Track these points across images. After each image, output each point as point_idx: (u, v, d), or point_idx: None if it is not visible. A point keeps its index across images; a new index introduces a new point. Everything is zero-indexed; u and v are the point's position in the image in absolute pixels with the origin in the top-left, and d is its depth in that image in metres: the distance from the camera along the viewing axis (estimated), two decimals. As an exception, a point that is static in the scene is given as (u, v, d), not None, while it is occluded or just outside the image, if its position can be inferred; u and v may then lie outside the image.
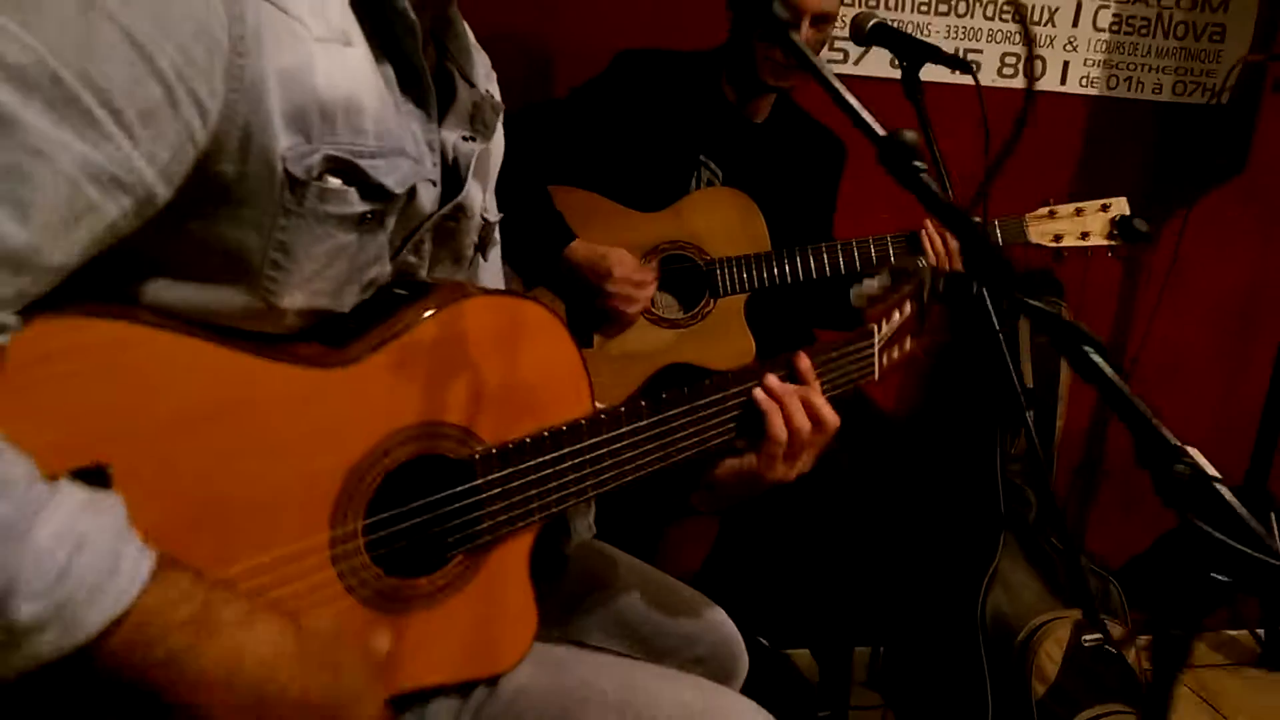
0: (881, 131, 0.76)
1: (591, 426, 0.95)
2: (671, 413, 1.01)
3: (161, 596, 0.64)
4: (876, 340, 1.21)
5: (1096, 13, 2.47)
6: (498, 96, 1.02)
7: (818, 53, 1.85)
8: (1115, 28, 2.48)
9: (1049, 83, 2.51)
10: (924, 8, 2.41)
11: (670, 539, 2.05)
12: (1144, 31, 2.50)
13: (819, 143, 2.09)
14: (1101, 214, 1.93)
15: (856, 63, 2.32)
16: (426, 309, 0.86)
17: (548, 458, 0.93)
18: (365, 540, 0.84)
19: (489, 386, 0.90)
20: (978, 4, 2.43)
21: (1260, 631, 2.65)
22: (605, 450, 0.97)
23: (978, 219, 1.73)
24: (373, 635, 0.82)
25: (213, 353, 0.74)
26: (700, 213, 1.91)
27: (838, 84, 0.78)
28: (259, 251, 0.75)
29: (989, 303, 1.33)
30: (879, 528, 2.16)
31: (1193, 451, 0.73)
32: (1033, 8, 2.45)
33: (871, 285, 1.28)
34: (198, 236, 0.73)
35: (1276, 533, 2.42)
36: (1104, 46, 2.49)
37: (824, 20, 1.85)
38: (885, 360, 1.24)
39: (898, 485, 2.36)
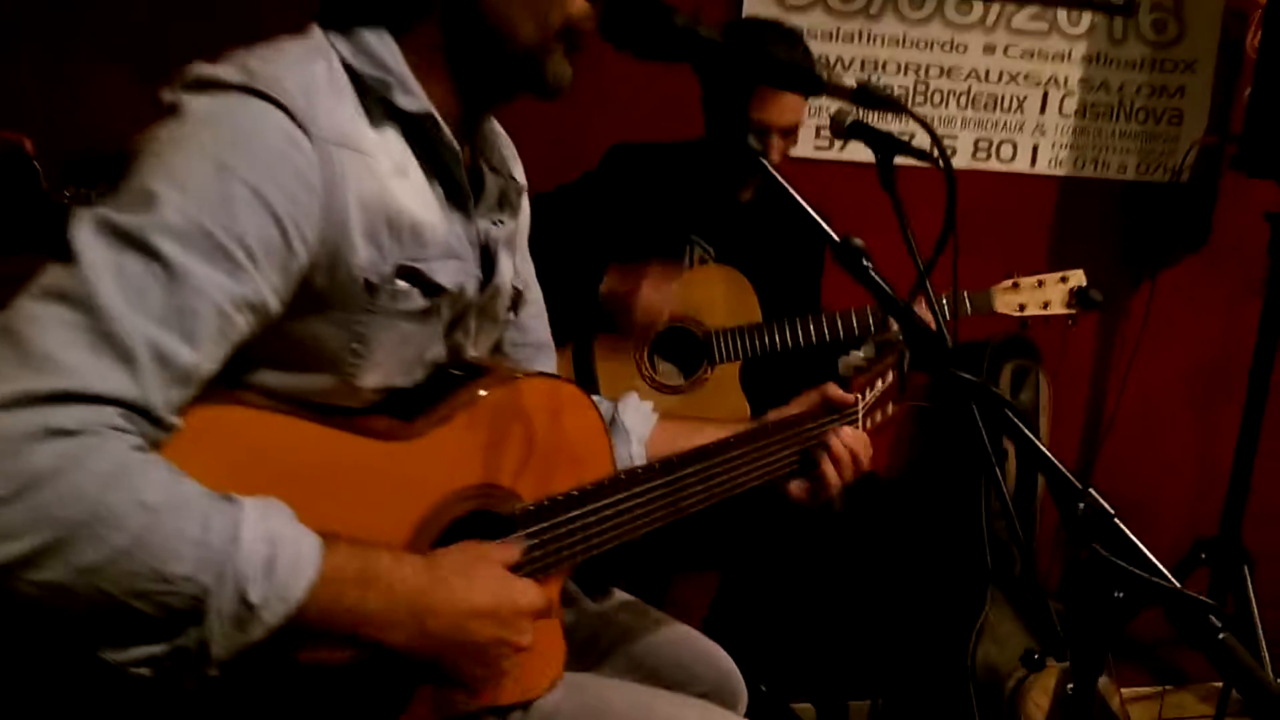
0: (836, 237, 0.95)
1: (612, 485, 1.13)
2: (684, 472, 1.20)
3: (333, 563, 0.84)
4: (860, 407, 1.38)
5: (1062, 100, 2.69)
6: (521, 178, 1.20)
7: (787, 153, 2.05)
8: (1080, 113, 2.70)
9: (1020, 165, 2.71)
10: (901, 99, 2.63)
11: (675, 589, 2.19)
12: (1107, 117, 2.71)
13: (802, 218, 2.27)
14: (1061, 285, 2.12)
15: (841, 149, 2.53)
16: (479, 389, 1.06)
17: (576, 513, 1.10)
18: None
19: (530, 453, 1.09)
20: (951, 94, 2.65)
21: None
22: (624, 505, 1.14)
23: (945, 296, 1.91)
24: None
25: (310, 429, 0.94)
26: (696, 288, 2.09)
27: (800, 200, 0.97)
28: (343, 344, 0.95)
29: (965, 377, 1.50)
30: (873, 581, 2.30)
31: (1093, 492, 0.88)
32: (1002, 97, 2.67)
33: (857, 356, 1.45)
34: (295, 336, 0.93)
35: (1250, 585, 2.55)
36: (1070, 131, 2.70)
37: (792, 130, 2.05)
38: (869, 424, 1.41)
39: (888, 540, 2.50)
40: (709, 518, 2.13)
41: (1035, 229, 2.75)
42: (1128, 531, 0.86)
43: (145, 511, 0.75)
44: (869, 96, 0.94)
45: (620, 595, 1.44)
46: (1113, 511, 0.87)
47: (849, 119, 1.92)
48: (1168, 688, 2.91)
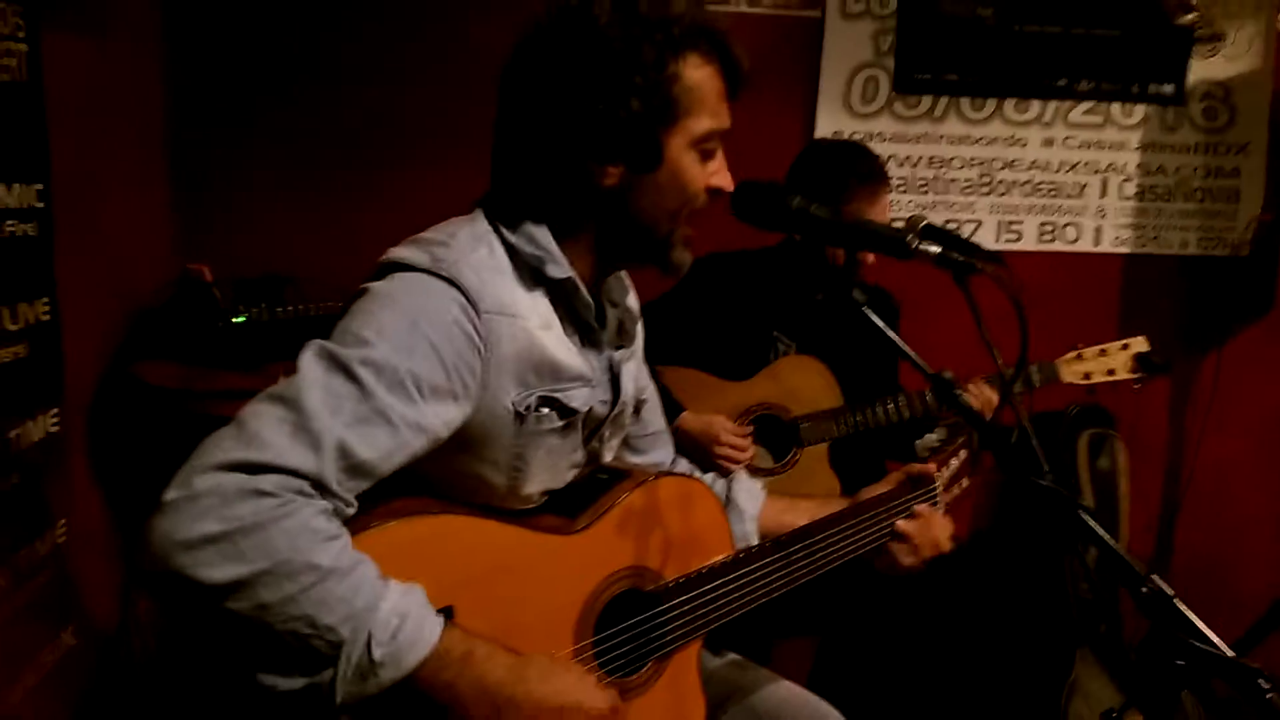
0: (929, 370, 1.16)
1: (734, 563, 1.37)
2: (793, 548, 1.42)
3: (445, 644, 1.04)
4: (939, 484, 1.58)
5: (1121, 185, 2.88)
6: (635, 306, 1.43)
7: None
8: (1139, 196, 2.88)
9: (1084, 244, 2.90)
10: (968, 189, 2.85)
11: (776, 653, 2.36)
12: (1166, 198, 2.89)
13: (874, 301, 2.48)
14: (1123, 352, 2.26)
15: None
16: (625, 489, 1.31)
17: (708, 586, 1.34)
18: (594, 650, 1.24)
19: (667, 539, 1.33)
20: (1014, 184, 2.85)
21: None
22: (745, 579, 1.37)
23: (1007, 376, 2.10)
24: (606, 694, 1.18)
25: (496, 529, 1.20)
26: (781, 378, 2.31)
27: (893, 335, 1.19)
28: (506, 460, 1.21)
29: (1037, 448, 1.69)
30: (966, 641, 2.44)
31: (1155, 578, 1.07)
32: (1063, 184, 2.87)
33: (931, 439, 1.65)
34: (474, 463, 1.20)
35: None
36: (1131, 212, 2.88)
37: None
38: (948, 497, 1.61)
39: (977, 601, 2.64)
40: (807, 586, 2.32)
41: (1103, 304, 2.92)
42: (1185, 610, 1.05)
43: (314, 571, 0.97)
44: (947, 260, 1.15)
45: (732, 655, 1.64)
46: (1172, 593, 1.06)
47: (921, 224, 2.16)
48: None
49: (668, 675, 1.33)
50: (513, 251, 1.20)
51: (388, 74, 2.59)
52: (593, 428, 1.32)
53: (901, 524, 1.54)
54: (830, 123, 2.74)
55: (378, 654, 0.99)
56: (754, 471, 2.28)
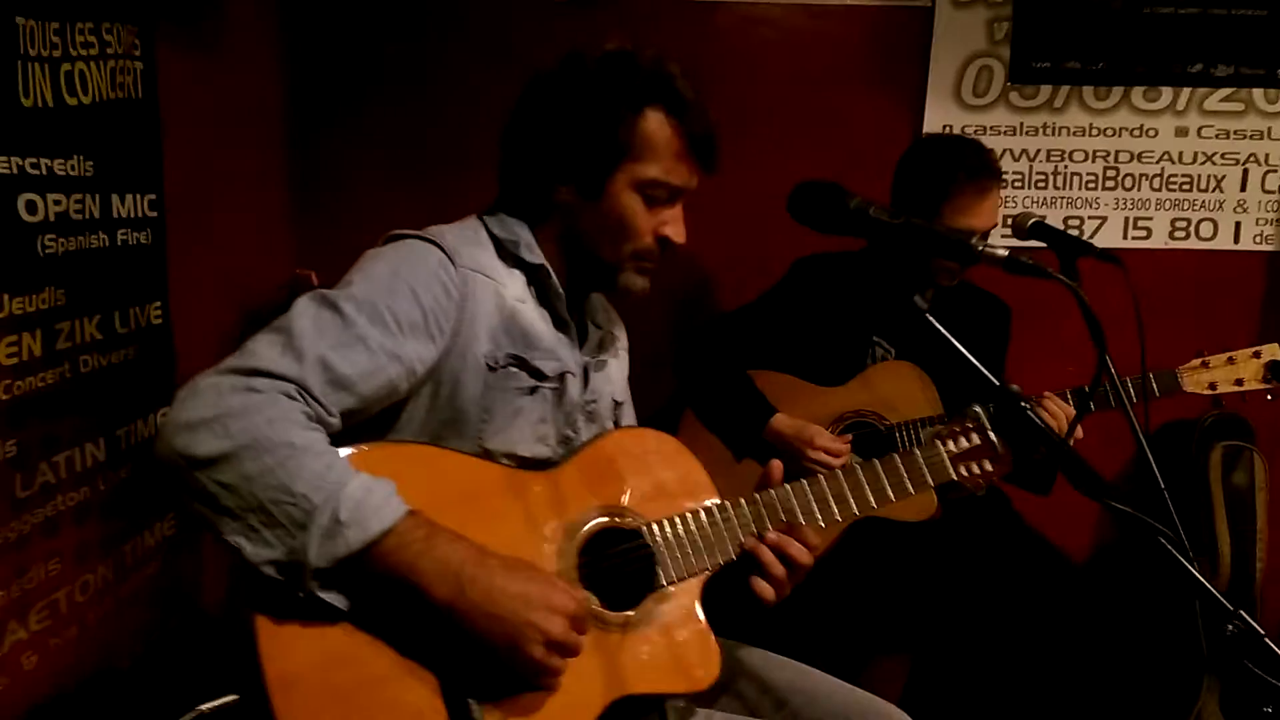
0: (996, 382, 1.10)
1: (717, 509, 1.37)
2: (778, 499, 1.39)
3: (409, 525, 1.13)
4: (943, 450, 1.51)
5: (1264, 177, 2.65)
6: (622, 338, 1.62)
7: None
8: (1285, 188, 2.65)
9: (1222, 242, 2.69)
10: (1091, 184, 2.68)
11: (870, 671, 2.29)
12: (1314, 190, 2.65)
13: (983, 308, 2.38)
14: (1254, 360, 2.07)
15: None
16: (598, 437, 1.41)
17: (691, 526, 1.35)
18: (581, 574, 1.28)
19: (649, 483, 1.37)
20: (1143, 178, 2.67)
21: None
22: (728, 525, 1.36)
23: (1130, 380, 1.97)
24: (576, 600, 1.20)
25: (471, 461, 1.31)
26: (876, 385, 2.23)
27: (961, 349, 1.12)
28: (475, 412, 1.33)
29: (1153, 464, 1.58)
30: (1085, 668, 2.31)
31: (1243, 614, 0.98)
32: (1198, 176, 2.67)
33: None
34: (446, 404, 1.31)
35: None
36: (1274, 206, 2.66)
37: (991, 230, 2.18)
38: (965, 470, 1.53)
39: (1096, 626, 2.50)
40: (901, 600, 2.24)
41: (1243, 306, 2.71)
42: (1274, 646, 0.95)
43: (290, 448, 1.10)
44: (1017, 265, 1.08)
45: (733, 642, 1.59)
46: (1263, 632, 0.96)
47: (1030, 222, 2.06)
48: None
49: (668, 612, 1.33)
50: (494, 237, 1.40)
51: (494, 75, 2.64)
52: (567, 410, 1.42)
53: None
54: (940, 116, 2.64)
55: (344, 515, 1.09)
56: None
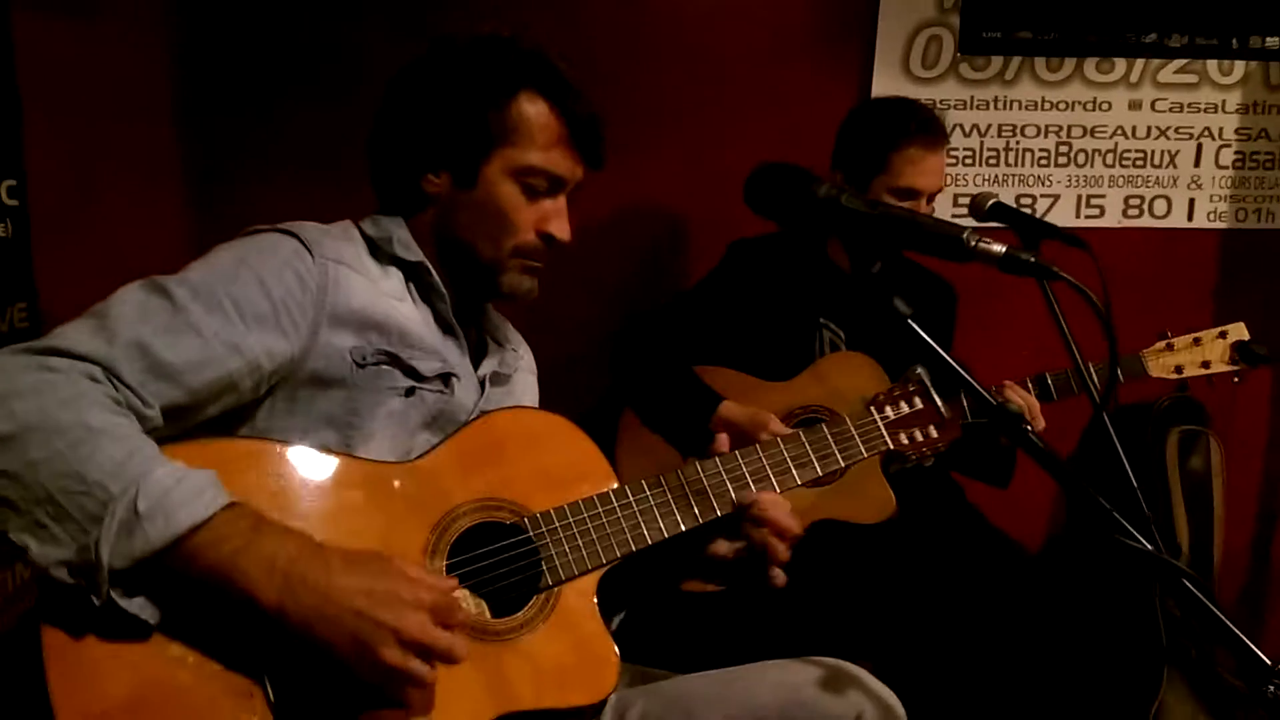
0: (994, 401, 0.95)
1: (614, 495, 1.22)
2: (691, 476, 1.24)
3: (230, 517, 0.97)
4: (879, 419, 1.38)
5: (1218, 152, 2.57)
6: (523, 353, 1.48)
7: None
8: (1239, 164, 2.57)
9: (1176, 219, 2.60)
10: (1043, 160, 2.58)
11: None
12: (1268, 165, 2.57)
13: (929, 289, 2.26)
14: (1220, 341, 1.98)
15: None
16: (474, 419, 1.23)
17: (582, 516, 1.19)
18: (456, 577, 1.11)
19: (531, 470, 1.21)
20: (1096, 153, 2.57)
21: None
22: (626, 513, 1.21)
23: (1095, 368, 1.86)
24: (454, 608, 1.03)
25: (319, 455, 1.12)
26: (827, 378, 2.09)
27: (950, 359, 0.97)
28: (341, 415, 1.17)
29: (1125, 462, 1.46)
30: (1043, 662, 2.22)
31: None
32: (1152, 152, 2.57)
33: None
34: (306, 406, 1.16)
35: None
36: (1229, 182, 2.58)
37: (935, 195, 2.06)
38: (906, 439, 1.40)
39: (1054, 619, 2.41)
40: (862, 605, 2.13)
41: (1198, 285, 2.63)
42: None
43: (86, 430, 0.95)
44: (1016, 262, 0.93)
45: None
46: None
47: (990, 203, 1.93)
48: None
49: (558, 616, 1.17)
50: (368, 237, 1.28)
51: (419, 54, 2.43)
52: (457, 418, 1.26)
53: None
54: (888, 89, 2.49)
55: (143, 506, 0.93)
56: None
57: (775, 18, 2.50)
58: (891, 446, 1.37)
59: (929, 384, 1.40)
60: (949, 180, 2.49)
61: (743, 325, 2.12)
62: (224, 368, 1.08)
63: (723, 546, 1.28)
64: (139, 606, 0.95)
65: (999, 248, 0.95)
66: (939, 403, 1.37)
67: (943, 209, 2.40)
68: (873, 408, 1.37)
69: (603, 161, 1.30)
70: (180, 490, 0.95)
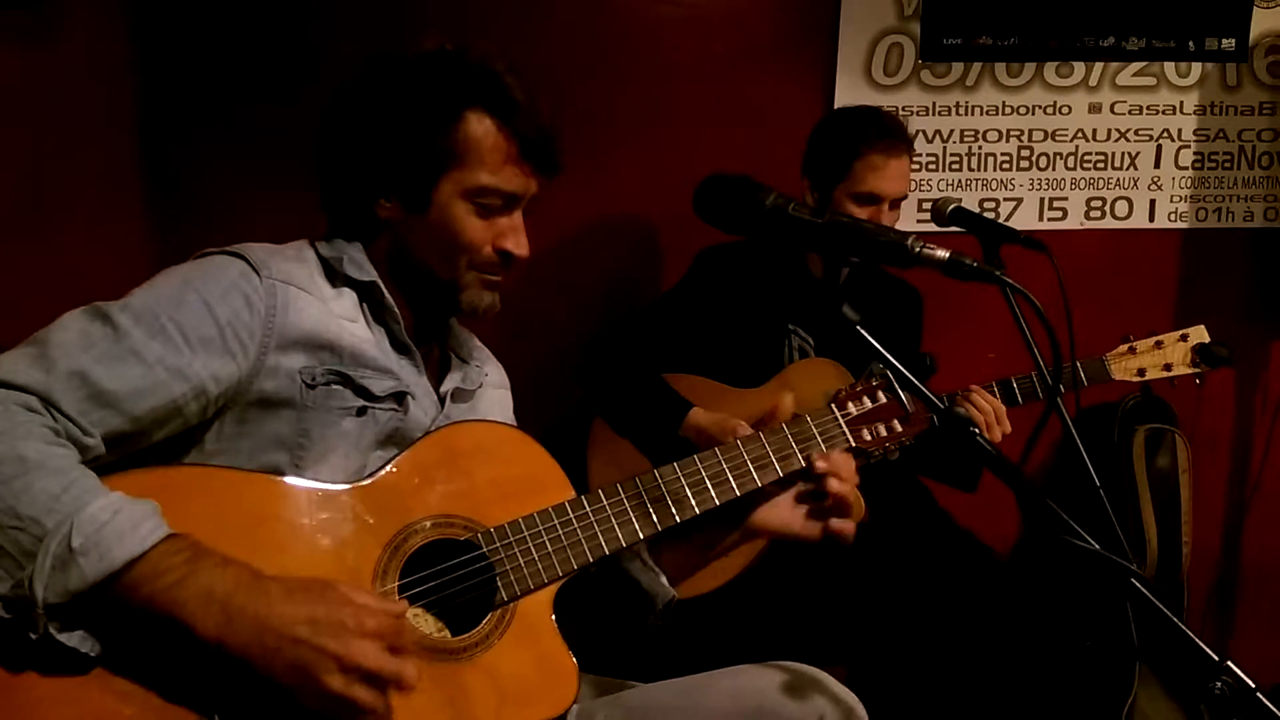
0: (942, 405, 0.95)
1: (570, 506, 1.19)
2: (649, 485, 1.22)
3: (167, 550, 0.96)
4: (839, 416, 1.36)
5: (1178, 153, 2.60)
6: (491, 371, 1.44)
7: (894, 225, 2.06)
8: (1198, 164, 2.60)
9: (1137, 220, 2.63)
10: (1005, 164, 2.59)
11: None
12: (1227, 165, 2.61)
13: (896, 295, 2.28)
14: (1182, 344, 2.01)
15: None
16: (423, 436, 1.20)
17: (537, 529, 1.17)
18: (408, 598, 1.10)
19: (484, 484, 1.19)
20: (1057, 156, 2.60)
21: None
22: (583, 525, 1.19)
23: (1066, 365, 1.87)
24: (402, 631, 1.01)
25: (266, 480, 1.11)
26: (797, 384, 2.10)
27: (899, 366, 0.97)
28: (290, 436, 1.15)
29: (1090, 465, 1.47)
30: (1016, 662, 2.23)
31: (1230, 664, 0.86)
32: (1112, 154, 2.60)
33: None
34: (255, 428, 1.14)
35: None
36: (1189, 182, 2.61)
37: (900, 200, 2.07)
38: (869, 434, 1.38)
39: (1025, 619, 2.42)
40: (834, 610, 2.13)
41: (1159, 286, 2.65)
42: (1270, 705, 0.83)
43: (19, 463, 0.94)
44: (959, 267, 0.94)
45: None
46: (1254, 685, 0.84)
47: (950, 208, 1.94)
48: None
49: (516, 630, 1.15)
50: (322, 258, 1.25)
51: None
52: (413, 437, 1.22)
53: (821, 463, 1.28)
54: (851, 97, 2.50)
55: (77, 541, 0.92)
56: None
57: (739, 28, 2.51)
58: (853, 444, 1.35)
59: (892, 378, 1.39)
60: (913, 186, 2.51)
61: (712, 332, 2.13)
62: (168, 393, 1.07)
63: (729, 539, 1.29)
64: (78, 640, 0.94)
65: (943, 253, 0.96)
66: (903, 396, 1.36)
67: (907, 214, 2.40)
68: (834, 405, 1.36)
69: (558, 170, 1.28)
70: (116, 524, 0.94)
